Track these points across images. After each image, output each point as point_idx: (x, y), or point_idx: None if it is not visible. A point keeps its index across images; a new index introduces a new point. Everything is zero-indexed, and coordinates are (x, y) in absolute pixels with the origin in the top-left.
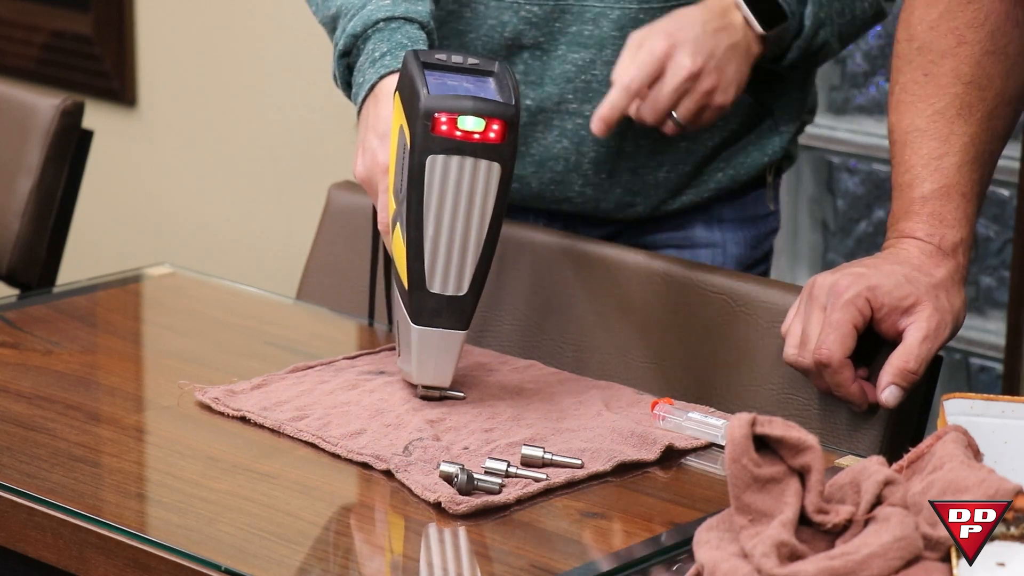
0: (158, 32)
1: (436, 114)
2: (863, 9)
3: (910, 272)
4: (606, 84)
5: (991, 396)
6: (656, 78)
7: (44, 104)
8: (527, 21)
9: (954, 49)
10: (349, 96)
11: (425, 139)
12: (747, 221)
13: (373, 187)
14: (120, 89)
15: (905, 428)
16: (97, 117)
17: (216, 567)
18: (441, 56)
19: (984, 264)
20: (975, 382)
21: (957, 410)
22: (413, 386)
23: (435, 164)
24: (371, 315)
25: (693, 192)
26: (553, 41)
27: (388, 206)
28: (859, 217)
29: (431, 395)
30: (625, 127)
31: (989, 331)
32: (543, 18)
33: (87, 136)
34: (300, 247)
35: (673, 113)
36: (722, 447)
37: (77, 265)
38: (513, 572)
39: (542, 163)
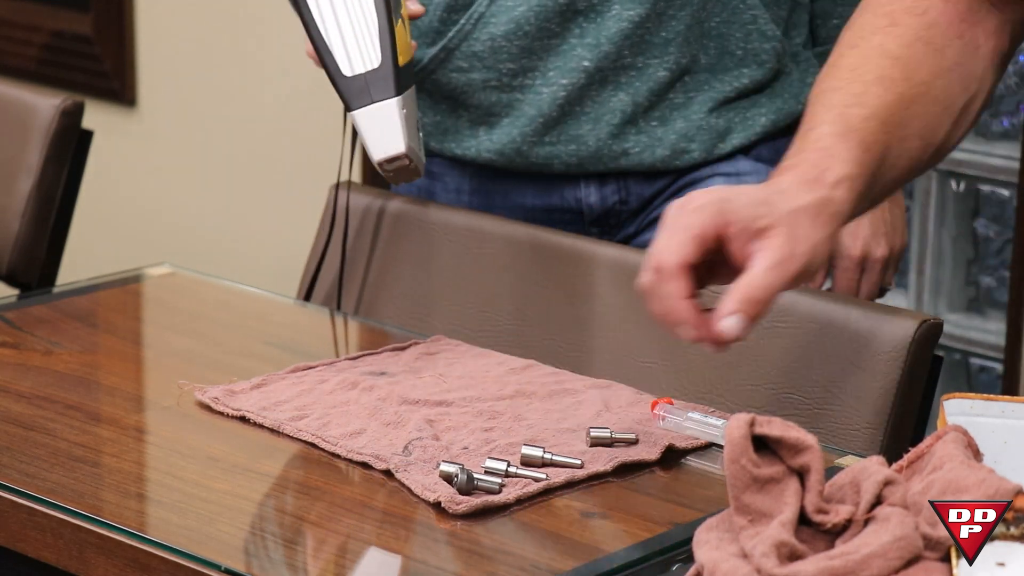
0: (158, 32)
1: None
2: None
3: (771, 195)
4: (659, 36)
5: (991, 396)
6: None
7: (44, 104)
8: None
9: (885, 28)
10: None
11: None
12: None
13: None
14: (120, 89)
15: (905, 428)
16: (97, 117)
17: (216, 567)
18: None
19: (984, 264)
20: (975, 382)
21: (957, 410)
22: (413, 385)
23: None
24: (338, 301)
25: (741, 134)
26: (607, 1)
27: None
28: None
29: (401, 167)
30: (676, 78)
31: (989, 331)
32: None
33: (87, 136)
34: (300, 247)
35: None
36: (722, 447)
37: (77, 265)
38: (513, 572)
39: (598, 119)
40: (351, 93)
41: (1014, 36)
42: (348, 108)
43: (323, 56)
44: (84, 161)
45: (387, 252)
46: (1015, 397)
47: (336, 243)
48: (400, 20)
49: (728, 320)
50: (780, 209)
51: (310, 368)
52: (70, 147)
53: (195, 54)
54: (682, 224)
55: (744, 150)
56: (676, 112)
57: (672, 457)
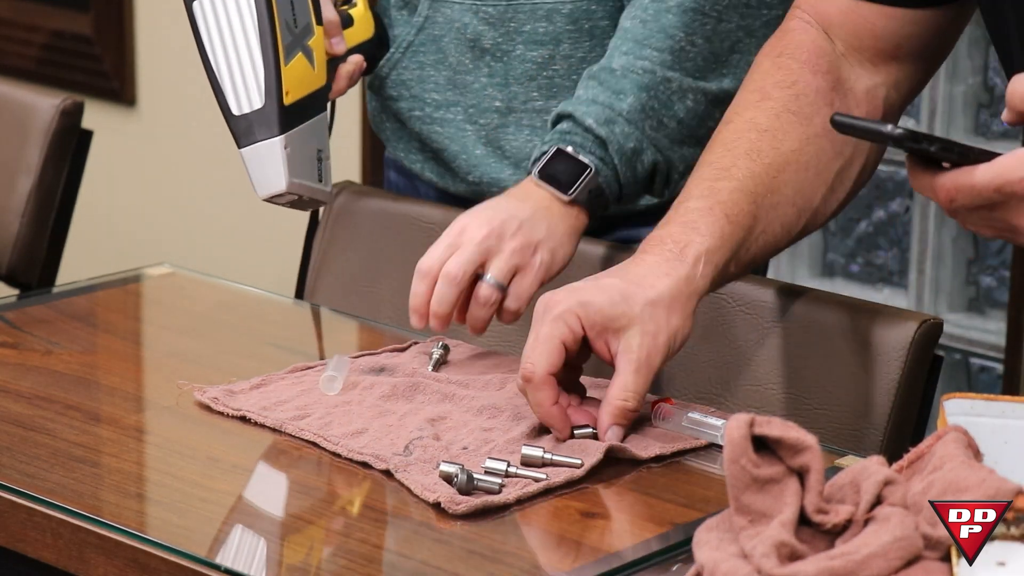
0: (158, 32)
1: None
2: (688, 108)
3: (627, 288)
4: (568, 79)
5: (991, 396)
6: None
7: (44, 104)
8: (485, 21)
9: (757, 103)
10: None
11: None
12: None
13: None
14: (120, 89)
15: (905, 428)
16: (97, 117)
17: (216, 567)
18: None
19: (984, 264)
20: (975, 382)
21: (957, 410)
22: (415, 385)
23: (200, 7)
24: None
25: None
26: (511, 41)
27: None
28: (859, 217)
29: (292, 201)
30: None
31: (989, 331)
32: (498, 17)
33: (87, 136)
34: (300, 247)
35: (487, 276)
36: (722, 447)
37: (77, 265)
38: (513, 572)
39: (518, 163)
40: (239, 131)
41: (900, 94)
42: (238, 147)
43: (215, 94)
44: (84, 161)
45: (387, 252)
46: (1015, 397)
47: (335, 243)
48: (299, 55)
49: (611, 432)
50: (636, 304)
51: (310, 368)
52: (70, 147)
53: (194, 54)
54: (544, 334)
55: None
56: None
57: (672, 457)
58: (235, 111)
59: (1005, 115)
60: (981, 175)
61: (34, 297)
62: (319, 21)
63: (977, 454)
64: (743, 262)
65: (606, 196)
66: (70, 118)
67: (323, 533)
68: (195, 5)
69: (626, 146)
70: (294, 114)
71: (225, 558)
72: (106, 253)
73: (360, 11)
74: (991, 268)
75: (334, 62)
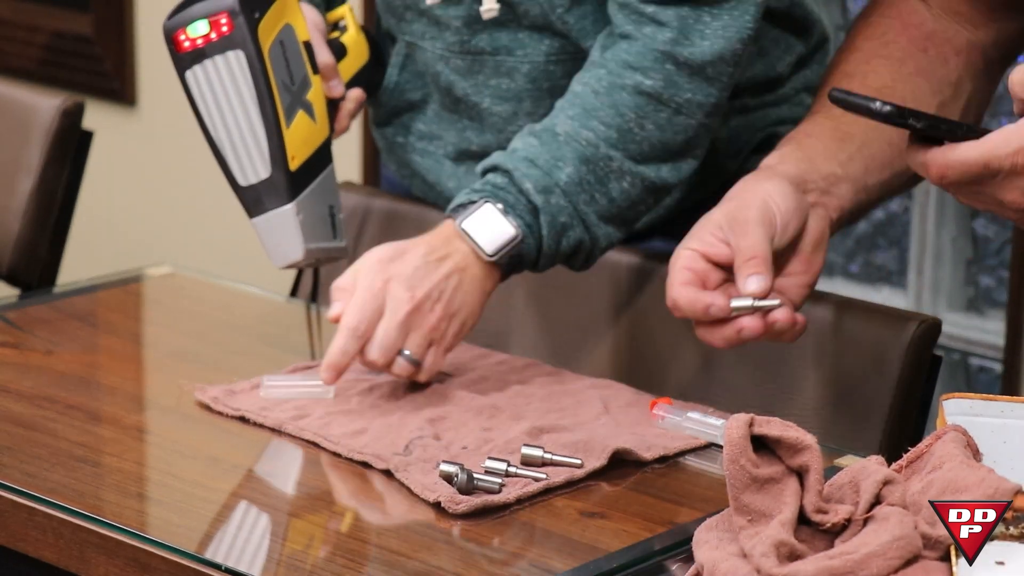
0: (159, 32)
1: (173, 35)
2: (623, 190)
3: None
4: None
5: (990, 396)
6: (379, 314)
7: (45, 104)
8: (456, 71)
9: (845, 56)
10: None
11: (177, 61)
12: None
13: None
14: (120, 89)
15: (904, 428)
16: (97, 117)
17: (216, 567)
18: None
19: (983, 264)
20: (974, 382)
21: (956, 410)
22: (414, 384)
23: (194, 77)
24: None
25: (650, 215)
26: (479, 93)
27: None
28: None
29: (311, 263)
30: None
31: (989, 331)
32: (466, 70)
33: (87, 136)
34: None
35: (405, 351)
36: (721, 447)
37: (77, 265)
38: (513, 572)
39: None
40: (248, 202)
41: (1000, 51)
42: (249, 217)
43: (219, 164)
44: (84, 161)
45: None
46: (1014, 397)
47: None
48: (300, 113)
49: (751, 280)
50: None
51: (310, 368)
52: (71, 147)
53: None
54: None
55: (655, 227)
56: None
57: (672, 457)
58: (242, 182)
59: (1016, 107)
60: (970, 152)
61: (35, 297)
62: (315, 69)
63: (976, 454)
64: (852, 169)
65: (524, 263)
66: (71, 118)
67: (323, 533)
68: (188, 74)
69: (557, 219)
70: (302, 177)
71: (225, 558)
72: (107, 253)
73: (352, 36)
74: (990, 268)
75: (334, 103)
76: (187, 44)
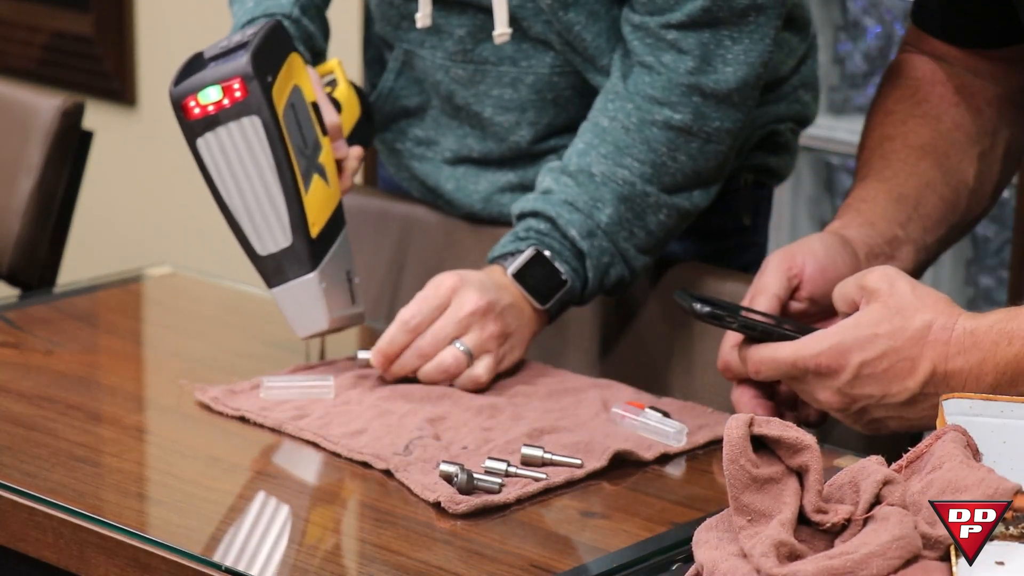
0: (158, 32)
1: (183, 101)
2: (660, 222)
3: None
4: (535, 144)
5: (990, 396)
6: (440, 312)
7: (45, 104)
8: (456, 81)
9: (882, 122)
10: None
11: (187, 128)
12: (708, 233)
13: None
14: (120, 89)
15: None
16: (98, 117)
17: (216, 567)
18: (224, 43)
19: (984, 264)
20: None
21: (956, 410)
22: (415, 385)
23: (207, 144)
24: None
25: None
26: (480, 103)
27: None
28: None
29: (333, 331)
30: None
31: None
32: (468, 80)
33: (87, 136)
34: None
35: (458, 343)
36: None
37: (77, 265)
38: (513, 572)
39: (488, 198)
40: (268, 271)
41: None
42: (268, 286)
43: (234, 233)
44: (85, 161)
45: (387, 253)
46: (1014, 397)
47: None
48: (315, 177)
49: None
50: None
51: (310, 368)
52: (71, 147)
53: None
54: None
55: None
56: None
57: (672, 457)
58: (260, 251)
59: (840, 313)
60: (780, 351)
61: (35, 297)
62: (324, 130)
63: (976, 454)
64: (912, 231)
65: (569, 305)
66: (71, 118)
67: (323, 533)
68: (200, 142)
69: (601, 260)
70: (322, 243)
71: (225, 558)
72: (107, 253)
73: (343, 91)
74: (990, 268)
75: (338, 163)
76: (198, 111)
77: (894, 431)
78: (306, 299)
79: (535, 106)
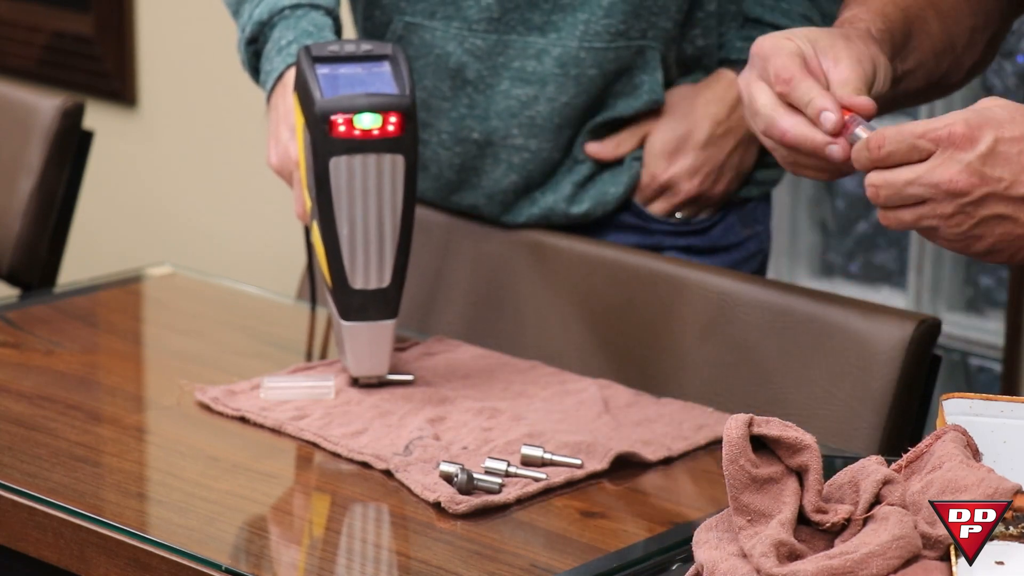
0: (158, 32)
1: (332, 116)
2: None
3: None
4: (551, 120)
5: (990, 396)
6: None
7: (45, 104)
8: (471, 53)
9: None
10: (257, 82)
11: (325, 143)
12: (714, 250)
13: (288, 179)
14: (121, 89)
15: (904, 428)
16: (98, 117)
17: (216, 567)
18: (334, 47)
19: (983, 264)
20: (974, 382)
21: (956, 410)
22: (414, 385)
23: (339, 165)
24: (313, 300)
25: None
26: (496, 76)
27: (304, 199)
28: (858, 217)
29: (371, 382)
30: (563, 155)
31: (988, 331)
32: (486, 51)
33: (88, 136)
34: (300, 247)
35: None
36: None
37: (78, 265)
38: (513, 572)
39: (492, 195)
40: (349, 305)
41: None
42: (342, 317)
43: (327, 262)
44: (85, 161)
45: None
46: (1014, 397)
47: None
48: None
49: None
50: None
51: (310, 368)
52: (71, 147)
53: (195, 54)
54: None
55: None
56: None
57: (672, 457)
58: (353, 285)
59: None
60: (907, 125)
61: (35, 297)
62: None
63: (976, 453)
64: (902, 68)
65: None
66: (71, 119)
67: (323, 533)
68: (334, 161)
69: None
70: (401, 294)
71: (225, 558)
72: (107, 253)
73: None
74: (990, 268)
75: None
76: (343, 129)
77: (992, 248)
78: (376, 342)
79: (556, 80)
